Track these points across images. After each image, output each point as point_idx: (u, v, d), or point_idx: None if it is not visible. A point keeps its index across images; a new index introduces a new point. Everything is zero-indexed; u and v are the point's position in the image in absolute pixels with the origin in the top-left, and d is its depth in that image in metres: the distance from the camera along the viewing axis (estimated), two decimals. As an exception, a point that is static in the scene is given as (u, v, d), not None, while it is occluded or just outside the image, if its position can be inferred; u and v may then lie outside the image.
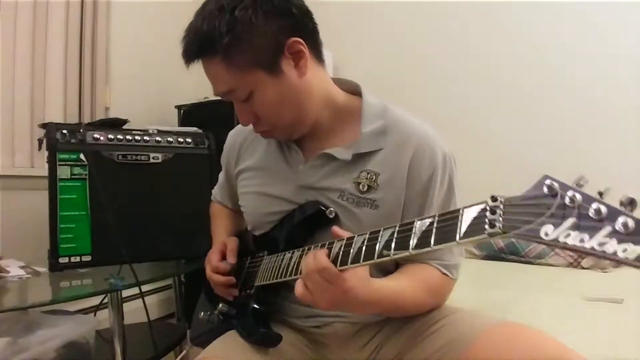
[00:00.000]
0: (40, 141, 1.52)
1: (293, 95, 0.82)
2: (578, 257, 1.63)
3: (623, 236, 0.38)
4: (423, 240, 0.55)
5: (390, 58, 2.43)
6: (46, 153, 1.40)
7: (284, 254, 0.84)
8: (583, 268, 1.61)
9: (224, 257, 0.97)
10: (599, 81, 1.98)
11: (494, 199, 0.48)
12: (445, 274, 0.84)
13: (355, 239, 0.66)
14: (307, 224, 0.86)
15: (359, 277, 0.67)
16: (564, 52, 2.05)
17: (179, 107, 2.64)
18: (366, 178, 0.83)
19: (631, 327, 1.03)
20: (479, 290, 1.25)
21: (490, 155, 2.17)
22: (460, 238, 0.50)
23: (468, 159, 2.09)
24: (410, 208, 0.83)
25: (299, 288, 0.68)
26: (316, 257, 0.66)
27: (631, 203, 0.39)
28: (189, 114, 2.60)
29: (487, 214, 0.47)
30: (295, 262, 0.79)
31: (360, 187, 0.83)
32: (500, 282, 1.49)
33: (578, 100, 2.02)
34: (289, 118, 0.84)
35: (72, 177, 1.40)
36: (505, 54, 2.19)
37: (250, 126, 0.93)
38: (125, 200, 1.47)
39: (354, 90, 0.92)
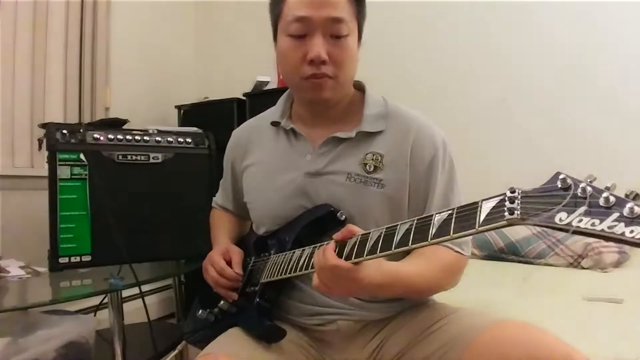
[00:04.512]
0: (40, 141, 1.52)
1: (356, 64, 0.92)
2: (578, 257, 1.63)
3: (630, 220, 0.43)
4: (442, 230, 0.58)
5: (399, 54, 2.43)
6: (46, 153, 1.40)
7: (294, 252, 0.85)
8: (583, 268, 1.61)
9: (227, 263, 0.97)
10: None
11: (512, 190, 0.52)
12: (457, 251, 0.86)
13: (371, 233, 0.68)
14: (316, 225, 0.87)
15: (369, 264, 0.69)
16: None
17: (179, 107, 2.64)
18: (372, 159, 0.88)
19: (631, 327, 1.03)
20: (479, 290, 1.25)
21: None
22: (479, 225, 0.53)
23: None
24: (417, 189, 0.87)
25: (314, 280, 0.72)
26: (325, 255, 0.69)
27: (635, 196, 0.44)
28: (189, 114, 2.61)
29: (506, 203, 0.51)
30: (306, 257, 0.80)
31: (367, 167, 0.88)
32: (500, 282, 1.49)
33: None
34: (349, 76, 0.91)
35: (72, 177, 1.40)
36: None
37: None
38: (125, 200, 1.47)
39: (359, 88, 0.98)
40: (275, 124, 0.98)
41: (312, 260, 0.77)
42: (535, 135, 2.13)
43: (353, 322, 0.89)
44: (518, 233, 1.79)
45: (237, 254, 0.98)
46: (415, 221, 0.63)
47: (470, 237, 0.89)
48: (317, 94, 0.88)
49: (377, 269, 0.71)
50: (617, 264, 1.60)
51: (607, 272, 1.56)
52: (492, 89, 2.23)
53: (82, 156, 1.40)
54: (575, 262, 1.64)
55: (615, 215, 0.43)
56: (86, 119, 2.25)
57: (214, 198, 1.20)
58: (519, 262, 1.74)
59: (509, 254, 1.78)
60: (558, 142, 2.07)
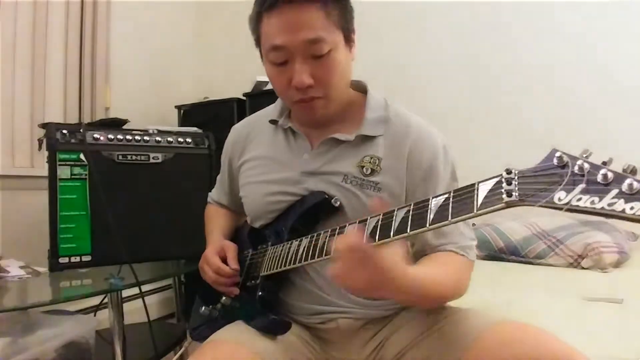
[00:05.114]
0: (40, 141, 1.52)
1: (348, 70, 0.89)
2: (578, 257, 1.63)
3: (629, 196, 0.42)
4: (440, 215, 0.57)
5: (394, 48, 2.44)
6: (46, 153, 1.40)
7: (291, 242, 0.85)
8: (583, 268, 1.61)
9: (222, 260, 0.96)
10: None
11: (508, 171, 0.51)
12: (463, 254, 0.85)
13: (368, 220, 0.68)
14: (311, 213, 0.87)
15: (394, 259, 0.65)
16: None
17: (179, 107, 2.64)
18: (369, 162, 0.87)
19: (631, 327, 1.03)
20: (479, 290, 1.25)
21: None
22: (477, 209, 0.53)
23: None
24: (415, 195, 0.85)
25: (332, 269, 0.65)
26: (351, 237, 0.64)
27: (632, 171, 0.44)
28: (189, 114, 2.61)
29: (503, 185, 0.51)
30: (304, 248, 0.80)
31: (364, 170, 0.87)
32: (500, 282, 1.49)
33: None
34: (340, 88, 0.88)
35: (72, 177, 1.40)
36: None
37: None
38: (125, 200, 1.47)
39: (360, 89, 0.97)
40: (273, 122, 0.98)
41: (310, 250, 0.77)
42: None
43: (353, 320, 0.89)
44: (518, 233, 1.79)
45: (231, 249, 0.97)
46: (411, 206, 0.63)
47: (474, 242, 0.89)
48: (309, 115, 0.89)
49: (401, 269, 0.66)
50: (617, 264, 1.60)
51: (607, 272, 1.56)
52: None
53: (82, 156, 1.40)
54: (575, 262, 1.63)
55: (615, 191, 0.43)
56: (86, 119, 2.25)
57: (209, 193, 1.20)
58: (519, 262, 1.74)
59: (509, 254, 1.77)
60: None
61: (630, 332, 1.00)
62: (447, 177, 0.88)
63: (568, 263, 1.65)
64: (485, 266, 1.71)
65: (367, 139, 0.89)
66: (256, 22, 0.86)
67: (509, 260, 1.77)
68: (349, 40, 0.87)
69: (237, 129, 1.08)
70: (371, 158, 0.87)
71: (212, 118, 2.37)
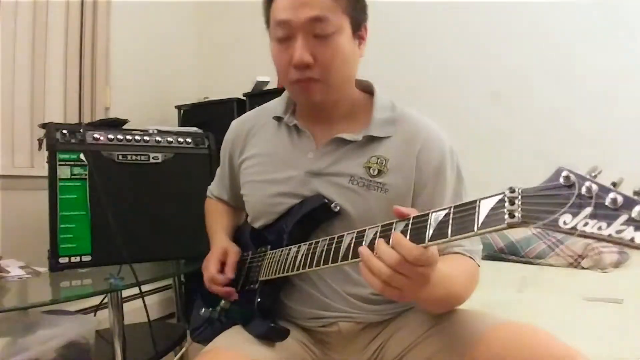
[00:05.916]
0: (40, 141, 1.52)
1: (353, 63, 0.88)
2: (578, 257, 1.63)
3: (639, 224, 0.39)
4: (439, 232, 0.56)
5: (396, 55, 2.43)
6: (46, 153, 1.40)
7: (290, 249, 0.84)
8: (583, 268, 1.61)
9: (222, 265, 0.96)
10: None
11: (511, 190, 0.49)
12: (471, 258, 0.84)
13: (367, 231, 0.67)
14: (311, 217, 0.87)
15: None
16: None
17: (179, 107, 2.64)
18: (376, 162, 0.86)
19: (631, 327, 1.03)
20: (479, 290, 1.25)
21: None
22: (478, 228, 0.51)
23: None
24: (422, 198, 0.85)
25: (376, 285, 0.60)
26: (402, 245, 0.58)
27: None
28: (189, 114, 2.61)
29: (506, 204, 0.48)
30: (302, 256, 0.79)
31: (371, 170, 0.86)
32: (500, 282, 1.49)
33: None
34: (341, 77, 0.86)
35: (72, 177, 1.40)
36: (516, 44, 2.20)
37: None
38: (125, 200, 1.47)
39: (366, 89, 0.96)
40: (277, 118, 0.97)
41: (309, 258, 0.77)
42: (533, 129, 2.14)
43: (354, 324, 0.88)
44: (518, 233, 1.79)
45: (233, 255, 0.96)
46: (411, 219, 0.61)
47: (481, 247, 0.88)
48: (305, 97, 0.88)
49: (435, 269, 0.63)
50: (617, 264, 1.60)
51: (607, 272, 1.56)
52: (488, 84, 2.24)
53: (82, 156, 1.40)
54: (575, 262, 1.64)
55: (624, 218, 0.40)
56: (86, 119, 2.24)
57: (209, 187, 1.19)
58: (519, 262, 1.74)
59: (509, 254, 1.78)
60: (558, 135, 2.06)
61: (630, 332, 1.00)
62: (454, 181, 0.87)
63: (568, 263, 1.65)
64: (485, 266, 1.70)
65: (374, 139, 0.88)
66: (267, 4, 0.87)
67: (509, 260, 1.77)
68: (357, 30, 0.86)
69: (238, 125, 1.06)
70: (378, 159, 0.86)
71: (212, 118, 2.37)
